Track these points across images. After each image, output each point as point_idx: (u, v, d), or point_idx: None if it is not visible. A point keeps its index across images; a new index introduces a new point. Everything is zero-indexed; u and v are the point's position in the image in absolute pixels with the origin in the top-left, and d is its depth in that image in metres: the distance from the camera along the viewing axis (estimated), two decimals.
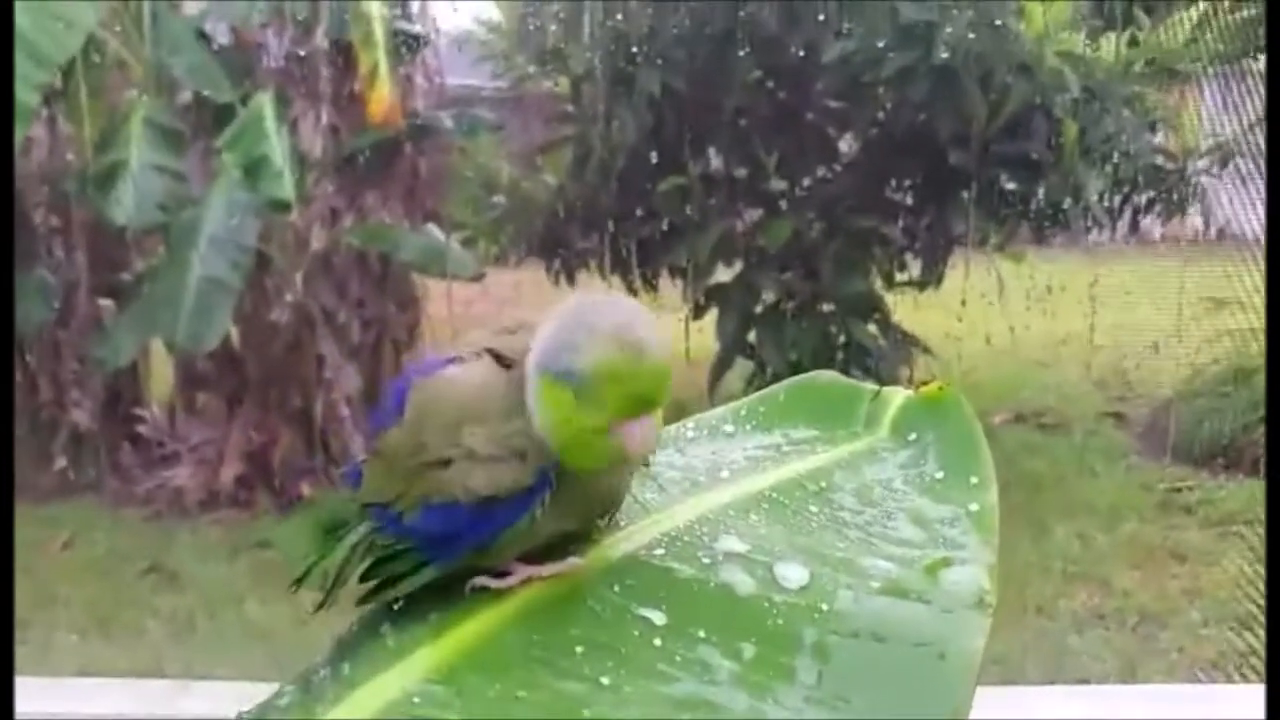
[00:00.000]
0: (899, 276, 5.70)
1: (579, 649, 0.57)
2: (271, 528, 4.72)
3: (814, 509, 0.71)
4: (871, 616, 0.60)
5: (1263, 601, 3.89)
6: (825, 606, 0.60)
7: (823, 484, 0.74)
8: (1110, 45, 5.21)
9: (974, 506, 0.73)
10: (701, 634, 0.59)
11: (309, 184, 5.07)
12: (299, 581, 0.67)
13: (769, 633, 0.59)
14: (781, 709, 0.54)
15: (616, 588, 0.61)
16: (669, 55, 5.06)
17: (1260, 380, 5.41)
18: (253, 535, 4.64)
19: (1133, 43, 5.30)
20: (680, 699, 0.55)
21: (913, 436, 0.81)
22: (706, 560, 0.63)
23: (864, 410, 0.84)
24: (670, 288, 5.58)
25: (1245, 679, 3.38)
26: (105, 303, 5.22)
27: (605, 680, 0.55)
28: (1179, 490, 4.97)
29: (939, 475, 0.76)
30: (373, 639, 0.60)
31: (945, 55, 4.74)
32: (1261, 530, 4.53)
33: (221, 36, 5.27)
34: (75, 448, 5.19)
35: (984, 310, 6.14)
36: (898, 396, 0.84)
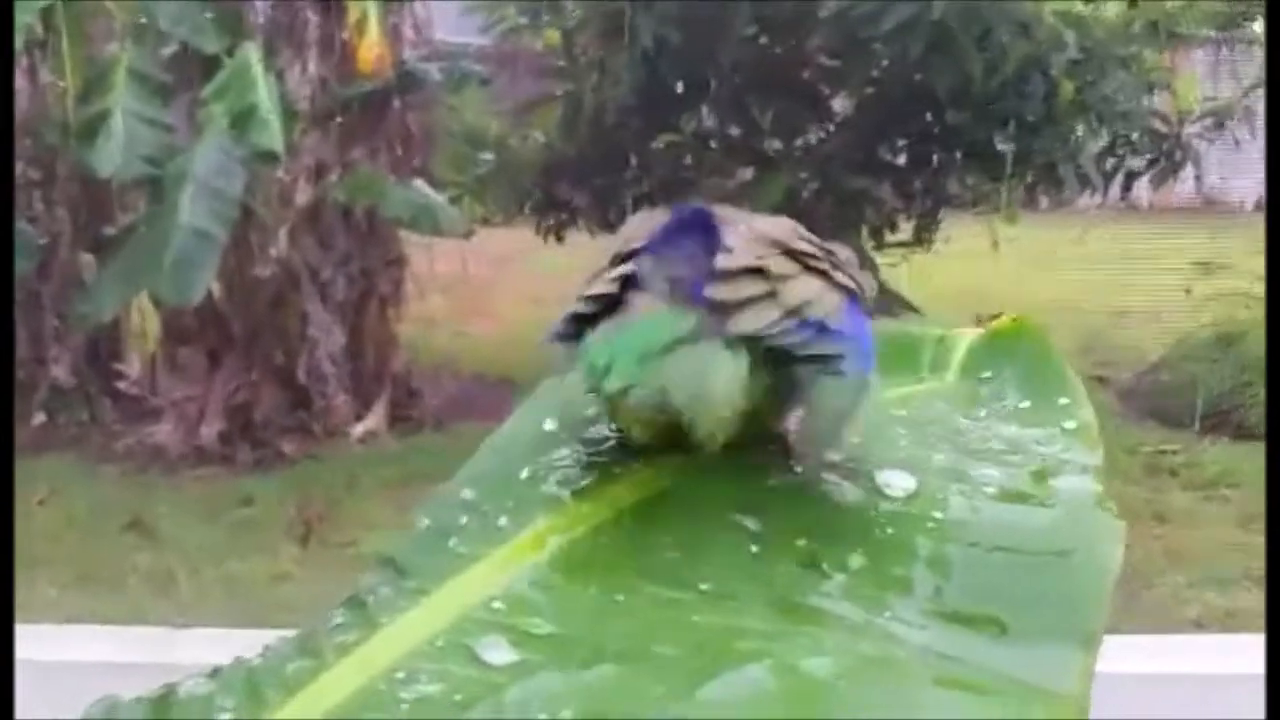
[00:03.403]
0: (890, 237, 5.66)
1: (673, 554, 0.52)
2: (253, 485, 4.66)
3: (901, 430, 0.66)
4: (991, 525, 0.55)
5: (1246, 563, 3.91)
6: (939, 515, 0.56)
7: (903, 412, 0.69)
8: (1110, 5, 5.16)
9: (1070, 424, 0.68)
10: (802, 543, 0.54)
11: (295, 137, 4.97)
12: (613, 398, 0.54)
13: (878, 542, 0.54)
14: (901, 624, 0.49)
15: (708, 493, 0.56)
16: (663, 8, 4.97)
17: (1246, 346, 5.43)
18: (234, 492, 4.58)
19: (1131, 3, 5.25)
20: (786, 607, 0.50)
21: (987, 374, 0.75)
22: (799, 469, 0.58)
23: (928, 355, 0.79)
24: None
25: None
26: (87, 257, 5.12)
27: (704, 586, 0.50)
28: (1163, 453, 4.97)
29: (1024, 405, 0.72)
30: (435, 551, 0.54)
31: (942, 11, 4.67)
32: (1244, 493, 4.55)
33: None
34: (55, 403, 5.11)
35: (975, 271, 6.13)
36: (965, 337, 0.79)
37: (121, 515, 4.31)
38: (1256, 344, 5.37)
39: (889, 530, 0.55)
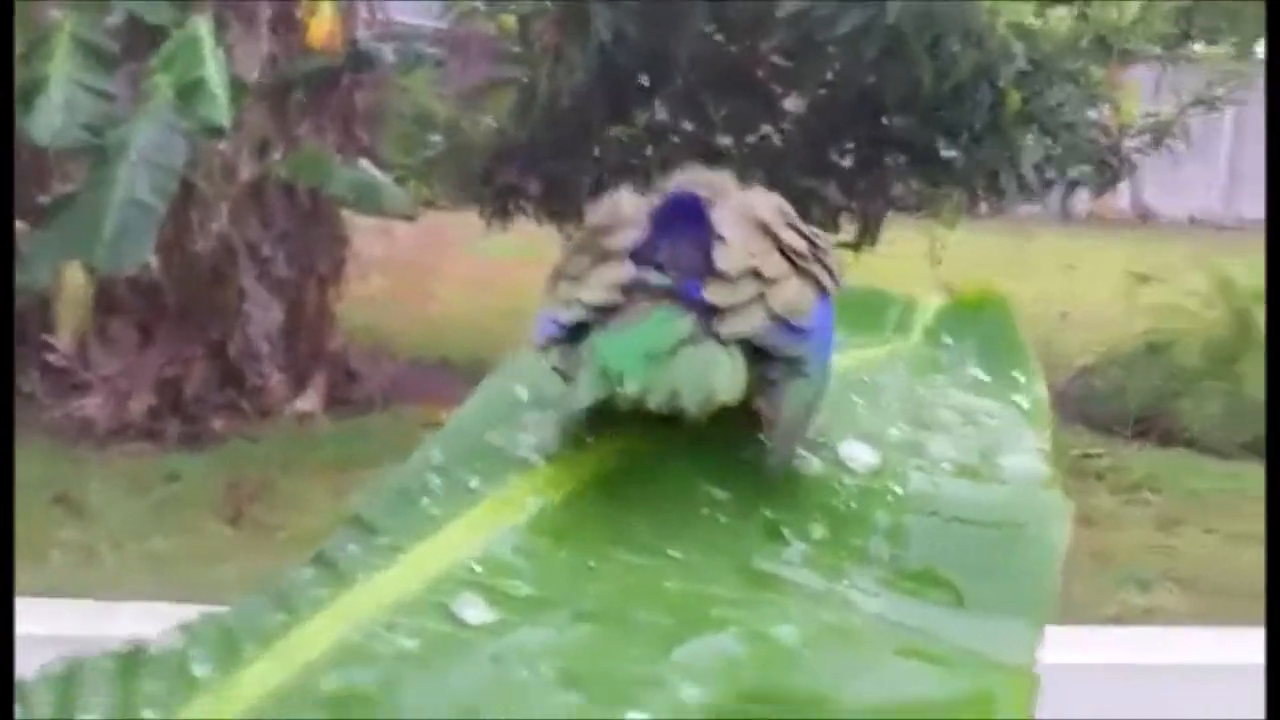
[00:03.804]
0: (833, 237, 5.71)
1: (644, 523, 0.53)
2: (181, 461, 4.59)
3: (859, 399, 0.67)
4: (947, 500, 0.57)
5: (1163, 565, 4.03)
6: (899, 489, 0.57)
7: (864, 378, 0.71)
8: (1059, 19, 5.25)
9: (1023, 401, 0.70)
10: (768, 513, 0.55)
11: (242, 112, 4.90)
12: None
13: (840, 515, 0.56)
14: (859, 592, 0.51)
15: (677, 463, 0.57)
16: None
17: (1174, 356, 5.58)
18: (162, 468, 4.50)
19: (1081, 17, 5.36)
20: (752, 575, 0.51)
21: (948, 340, 0.78)
22: (768, 441, 0.60)
23: (893, 317, 0.81)
24: None
25: None
26: (21, 225, 5.00)
27: (676, 554, 0.52)
28: (1089, 457, 5.09)
29: (982, 376, 0.74)
30: (408, 509, 0.55)
31: (897, 16, 4.73)
32: (1164, 497, 4.68)
33: None
34: None
35: (914, 275, 6.21)
36: (931, 303, 0.81)
37: (47, 489, 4.22)
38: (1184, 354, 5.53)
39: (851, 504, 0.57)
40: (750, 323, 0.56)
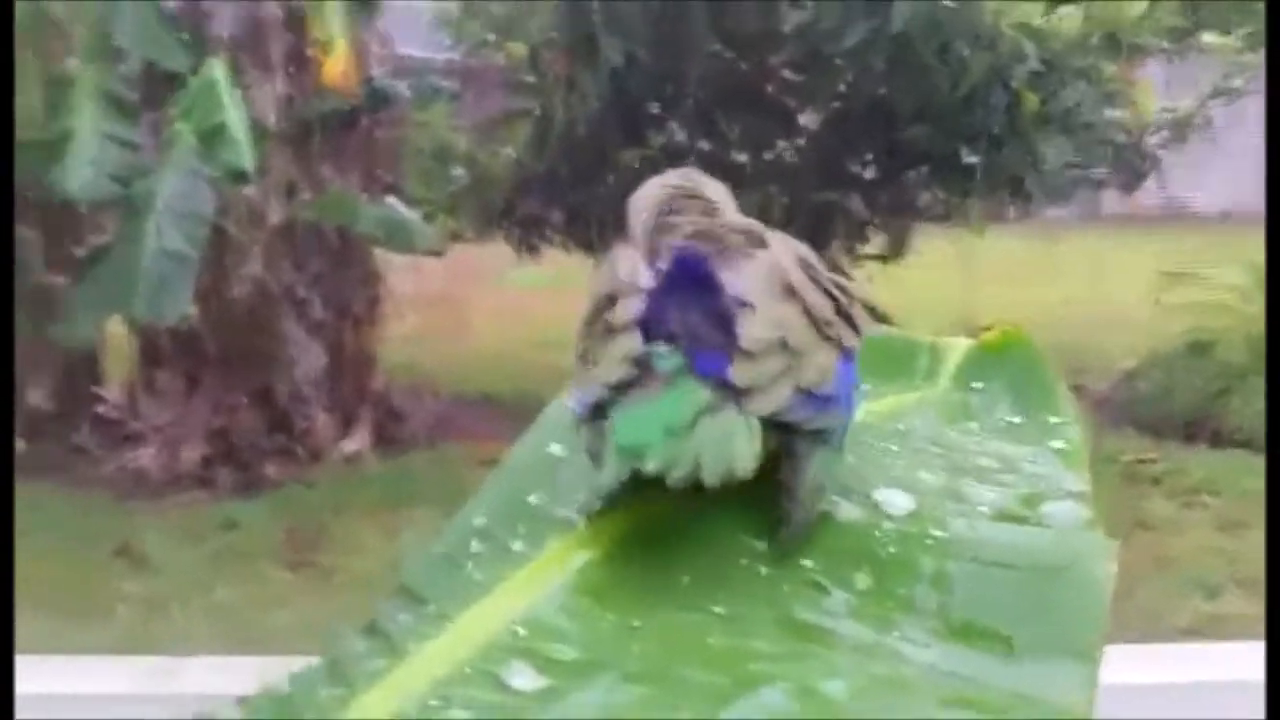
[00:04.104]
0: (862, 249, 5.70)
1: (685, 578, 0.54)
2: (236, 509, 4.62)
3: (895, 447, 0.68)
4: (990, 543, 0.57)
5: (1229, 569, 3.96)
6: (939, 533, 0.57)
7: (899, 426, 0.71)
8: (1067, 19, 5.23)
9: (1058, 444, 0.70)
10: (808, 564, 0.55)
11: (264, 155, 4.95)
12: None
13: (881, 562, 0.56)
14: (909, 643, 0.51)
15: (714, 517, 0.58)
16: (630, 23, 5.00)
17: (1218, 354, 5.50)
18: (218, 516, 4.54)
19: (1088, 15, 5.33)
20: (796, 627, 0.51)
21: (978, 385, 0.77)
22: (787, 506, 0.60)
23: (921, 363, 0.81)
24: None
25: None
26: (58, 279, 5.07)
27: (718, 609, 0.52)
28: (1143, 462, 5.02)
29: (1015, 420, 0.74)
30: (453, 575, 0.56)
31: (903, 25, 4.72)
32: (1223, 499, 4.60)
33: (168, 1, 5.11)
34: (34, 429, 5.05)
35: (945, 283, 6.18)
36: (957, 346, 0.81)
37: (107, 542, 4.25)
38: (1228, 352, 5.45)
39: (891, 549, 0.57)
40: (776, 401, 0.55)
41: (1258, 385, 5.22)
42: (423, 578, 0.57)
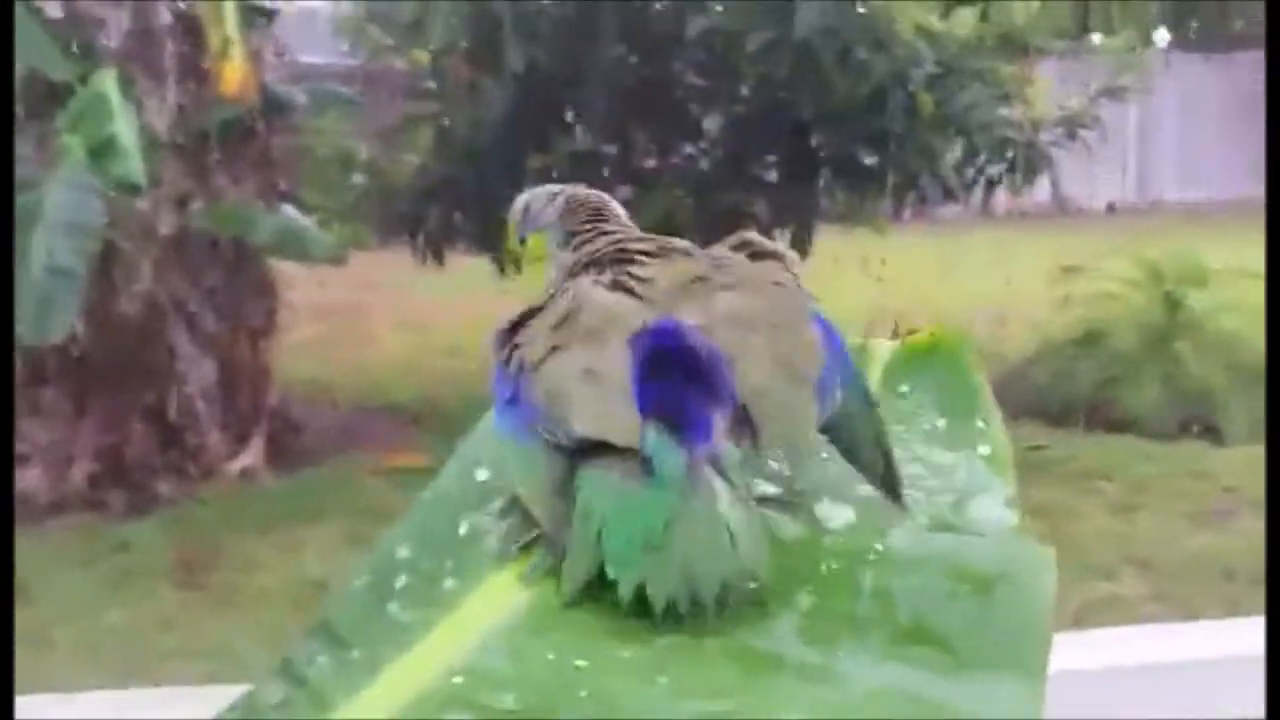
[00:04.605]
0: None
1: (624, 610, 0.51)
2: (128, 530, 4.48)
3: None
4: (929, 555, 0.56)
5: (1122, 551, 4.08)
6: (878, 546, 0.56)
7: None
8: (963, 21, 5.35)
9: (984, 450, 0.70)
10: (751, 585, 0.54)
11: (156, 166, 4.80)
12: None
13: (824, 579, 0.54)
14: (855, 663, 0.49)
15: None
16: (533, 28, 4.97)
17: (1111, 343, 5.67)
18: (109, 538, 4.39)
19: (983, 17, 5.46)
20: (747, 654, 0.49)
21: (904, 388, 0.77)
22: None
23: None
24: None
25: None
26: None
27: (663, 640, 0.50)
28: (1037, 449, 5.14)
29: (940, 424, 0.73)
30: (379, 615, 0.53)
31: (805, 31, 4.78)
32: (1117, 485, 4.75)
33: (53, 10, 4.93)
34: None
35: (848, 283, 6.26)
36: (882, 348, 0.80)
37: None
38: (1120, 341, 5.62)
39: (833, 565, 0.55)
40: (807, 421, 0.57)
41: (1148, 372, 5.40)
42: (344, 616, 0.54)
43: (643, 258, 0.62)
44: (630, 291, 0.59)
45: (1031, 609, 0.52)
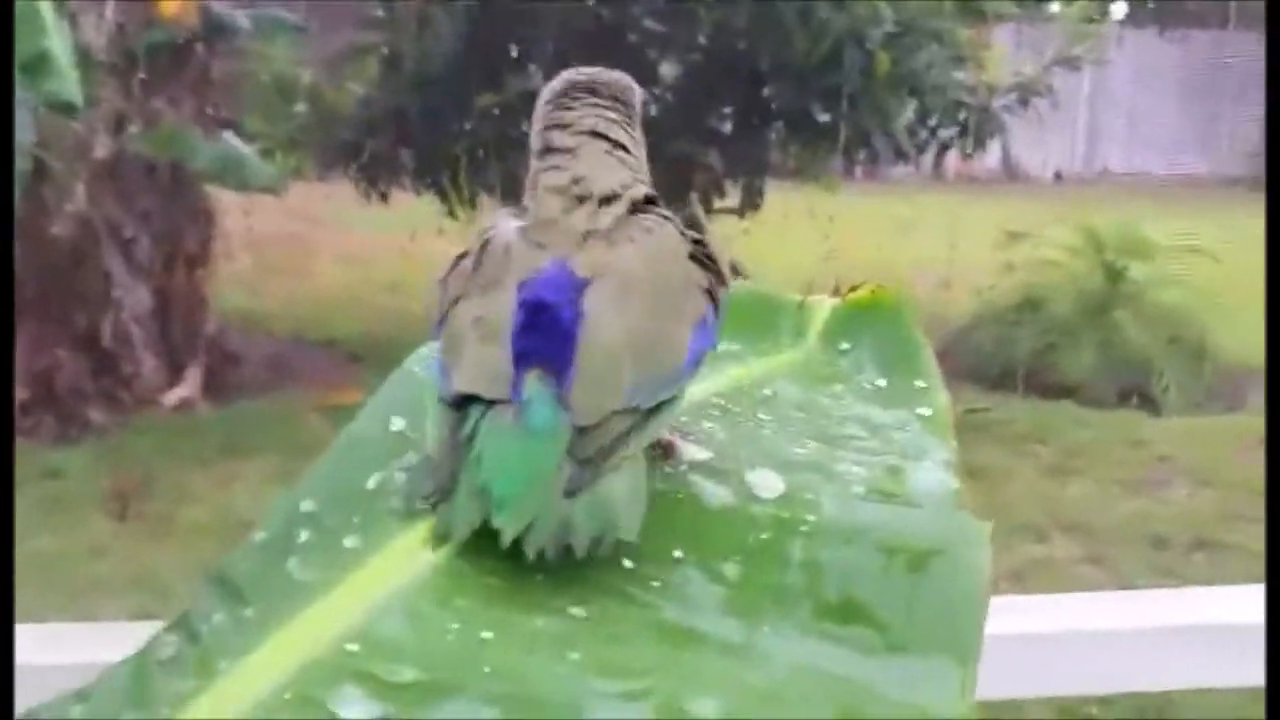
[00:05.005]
0: (719, 203, 5.71)
1: (539, 575, 0.48)
2: (59, 456, 4.38)
3: (764, 416, 0.64)
4: (861, 526, 0.53)
5: (1054, 514, 4.15)
6: (810, 517, 0.54)
7: (767, 392, 0.67)
8: None
9: (924, 410, 0.67)
10: (677, 554, 0.51)
11: (92, 86, 4.64)
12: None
13: (752, 550, 0.52)
14: (779, 639, 0.47)
15: None
16: None
17: (1050, 309, 5.73)
18: (41, 464, 4.29)
19: None
20: (667, 629, 0.47)
21: (845, 346, 0.75)
22: (669, 470, 0.55)
23: (788, 321, 0.78)
24: (492, 206, 5.43)
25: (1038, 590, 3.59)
26: None
27: (578, 611, 0.47)
28: (974, 411, 5.19)
29: (881, 383, 0.71)
30: (276, 572, 0.49)
31: None
32: (1051, 448, 4.81)
33: None
34: None
35: (796, 239, 6.26)
36: (824, 305, 0.78)
37: None
38: (1059, 307, 5.68)
39: (762, 536, 0.53)
40: (611, 405, 0.52)
41: (1085, 339, 5.47)
42: (243, 569, 0.50)
43: (556, 197, 0.59)
44: (536, 239, 0.57)
45: (965, 588, 0.50)
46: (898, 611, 0.49)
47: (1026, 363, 5.48)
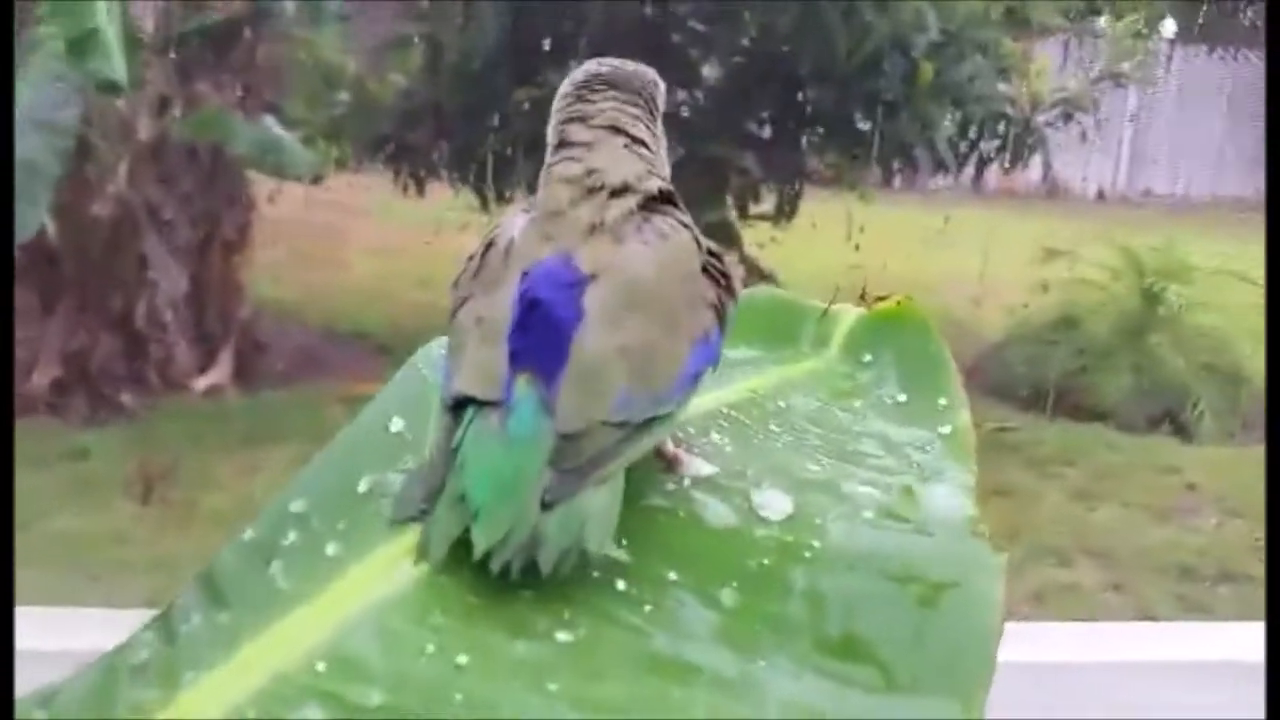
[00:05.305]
0: (754, 208, 5.68)
1: (525, 592, 0.46)
2: (88, 437, 4.41)
3: (776, 429, 0.62)
4: (872, 554, 0.51)
5: (1079, 539, 4.09)
6: (815, 543, 0.51)
7: (781, 404, 0.65)
8: None
9: (945, 429, 0.65)
10: (673, 576, 0.49)
11: (138, 67, 4.67)
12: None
13: (752, 575, 0.49)
14: (775, 672, 0.45)
15: None
16: None
17: (1086, 330, 5.66)
18: (69, 444, 4.32)
19: None
20: (655, 659, 0.45)
21: (868, 358, 0.72)
22: (671, 485, 0.53)
23: (810, 329, 0.75)
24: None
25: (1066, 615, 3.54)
26: None
27: (563, 636, 0.45)
28: (1003, 430, 5.13)
29: (902, 398, 0.69)
30: (258, 576, 0.47)
31: None
32: (1080, 471, 4.75)
33: None
34: None
35: (830, 248, 6.21)
36: (848, 315, 0.76)
37: None
38: (1095, 327, 5.60)
39: (764, 561, 0.50)
40: (599, 413, 0.50)
41: (1120, 362, 5.39)
42: (229, 569, 0.49)
43: (568, 189, 0.57)
44: (543, 231, 0.55)
45: (975, 625, 0.47)
46: (902, 648, 0.46)
47: (1058, 383, 5.40)
